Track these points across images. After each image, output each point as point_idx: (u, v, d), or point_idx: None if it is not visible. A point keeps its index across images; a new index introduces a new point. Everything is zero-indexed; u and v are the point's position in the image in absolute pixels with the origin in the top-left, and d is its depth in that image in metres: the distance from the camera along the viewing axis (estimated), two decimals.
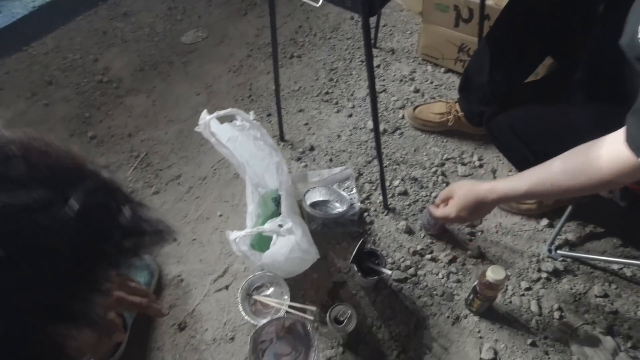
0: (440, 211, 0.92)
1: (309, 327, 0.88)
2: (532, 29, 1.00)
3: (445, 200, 0.91)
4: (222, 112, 0.90)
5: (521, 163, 1.11)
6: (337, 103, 1.57)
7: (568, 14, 0.89)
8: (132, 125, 1.60)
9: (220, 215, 1.31)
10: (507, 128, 0.90)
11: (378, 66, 1.66)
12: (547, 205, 1.20)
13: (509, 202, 0.91)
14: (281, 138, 1.47)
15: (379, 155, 1.12)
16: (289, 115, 1.55)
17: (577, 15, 0.87)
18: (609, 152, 0.59)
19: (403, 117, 1.49)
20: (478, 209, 0.82)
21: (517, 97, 0.98)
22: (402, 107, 1.51)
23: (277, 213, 1.07)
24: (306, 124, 1.52)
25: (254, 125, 0.98)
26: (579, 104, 0.81)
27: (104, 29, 2.00)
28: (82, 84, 1.76)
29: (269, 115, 1.56)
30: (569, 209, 1.11)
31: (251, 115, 0.97)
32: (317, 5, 0.81)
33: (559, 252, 1.14)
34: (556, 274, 1.12)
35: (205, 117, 0.90)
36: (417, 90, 1.56)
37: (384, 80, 1.61)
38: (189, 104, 1.65)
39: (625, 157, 0.56)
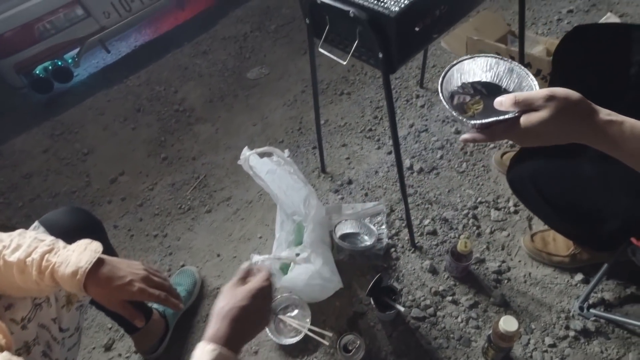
0: (526, 118, 0.54)
1: None
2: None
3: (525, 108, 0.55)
4: (259, 150, 1.04)
5: (547, 218, 1.09)
6: (378, 140, 1.65)
7: (605, 78, 0.87)
8: (196, 149, 1.84)
9: (260, 237, 1.45)
10: (528, 182, 0.90)
11: (422, 106, 1.72)
12: (582, 260, 1.15)
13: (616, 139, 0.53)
14: (322, 170, 1.59)
15: (404, 195, 1.18)
16: (333, 149, 1.67)
17: (612, 81, 0.86)
18: None
19: (442, 158, 1.52)
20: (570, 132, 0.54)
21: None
22: (441, 148, 1.55)
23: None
24: (347, 158, 1.62)
25: (287, 161, 1.11)
26: (595, 160, 0.80)
27: (185, 65, 2.33)
28: (162, 112, 2.07)
29: (314, 147, 1.69)
30: (605, 266, 1.06)
31: (286, 152, 1.10)
32: (344, 63, 0.92)
33: (592, 311, 1.08)
34: (586, 334, 1.07)
35: (245, 153, 1.04)
36: (458, 132, 1.58)
37: (426, 120, 1.67)
38: (246, 133, 1.86)
39: None
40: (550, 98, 0.52)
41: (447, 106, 0.60)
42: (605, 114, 0.53)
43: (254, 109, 1.96)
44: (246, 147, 1.05)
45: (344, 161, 1.62)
